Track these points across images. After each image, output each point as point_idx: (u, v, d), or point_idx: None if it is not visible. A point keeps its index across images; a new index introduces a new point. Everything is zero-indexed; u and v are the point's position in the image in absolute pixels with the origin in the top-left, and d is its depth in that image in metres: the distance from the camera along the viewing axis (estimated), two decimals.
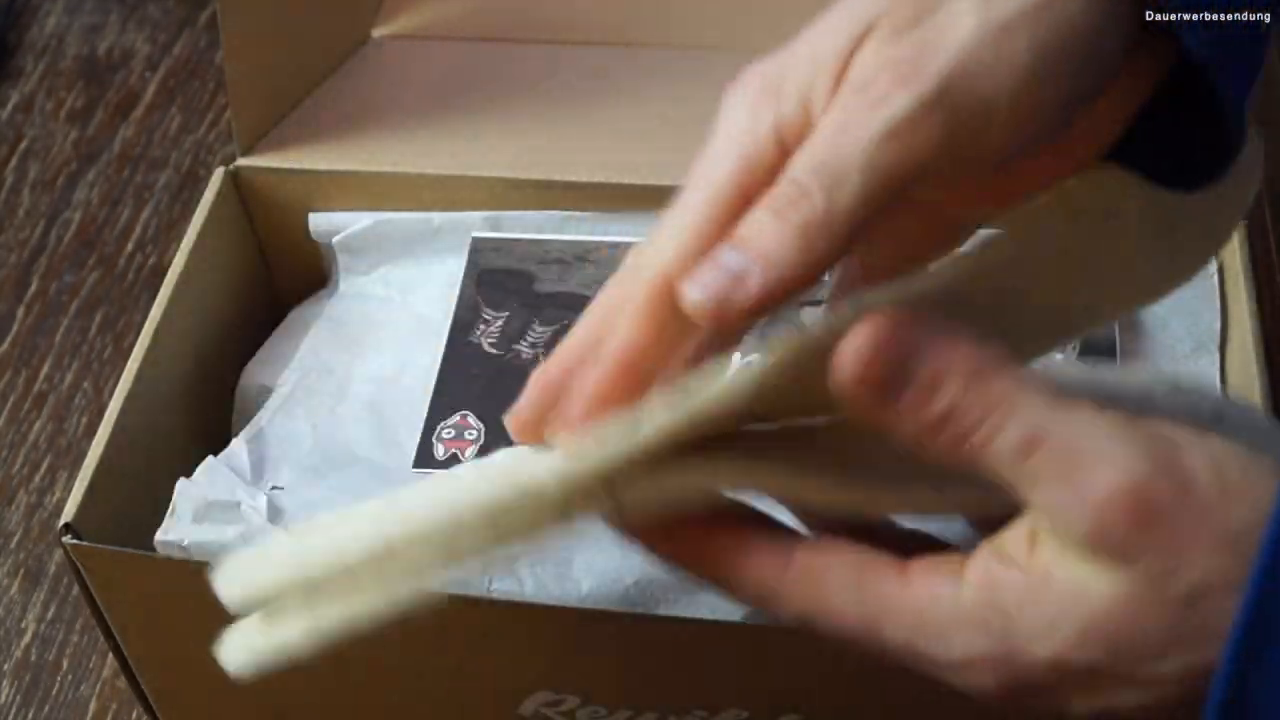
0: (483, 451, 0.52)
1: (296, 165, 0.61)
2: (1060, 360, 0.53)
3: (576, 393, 0.35)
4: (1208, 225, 0.40)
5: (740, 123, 0.34)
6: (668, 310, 0.34)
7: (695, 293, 0.33)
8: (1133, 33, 0.34)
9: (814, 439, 0.36)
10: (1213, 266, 0.56)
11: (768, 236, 0.32)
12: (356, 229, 0.60)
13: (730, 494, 0.36)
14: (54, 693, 0.59)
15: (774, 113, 0.34)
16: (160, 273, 0.59)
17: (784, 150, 0.34)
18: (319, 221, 0.61)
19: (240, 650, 0.37)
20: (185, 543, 0.50)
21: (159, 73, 0.85)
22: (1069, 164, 0.37)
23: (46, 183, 0.80)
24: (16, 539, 0.64)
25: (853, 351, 0.32)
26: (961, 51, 0.32)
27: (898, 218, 0.36)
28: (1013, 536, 0.33)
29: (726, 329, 0.34)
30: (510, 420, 0.37)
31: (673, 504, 0.35)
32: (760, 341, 0.35)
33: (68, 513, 0.48)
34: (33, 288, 0.75)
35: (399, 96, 0.64)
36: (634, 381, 0.35)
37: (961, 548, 0.35)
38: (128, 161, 0.80)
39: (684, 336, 0.35)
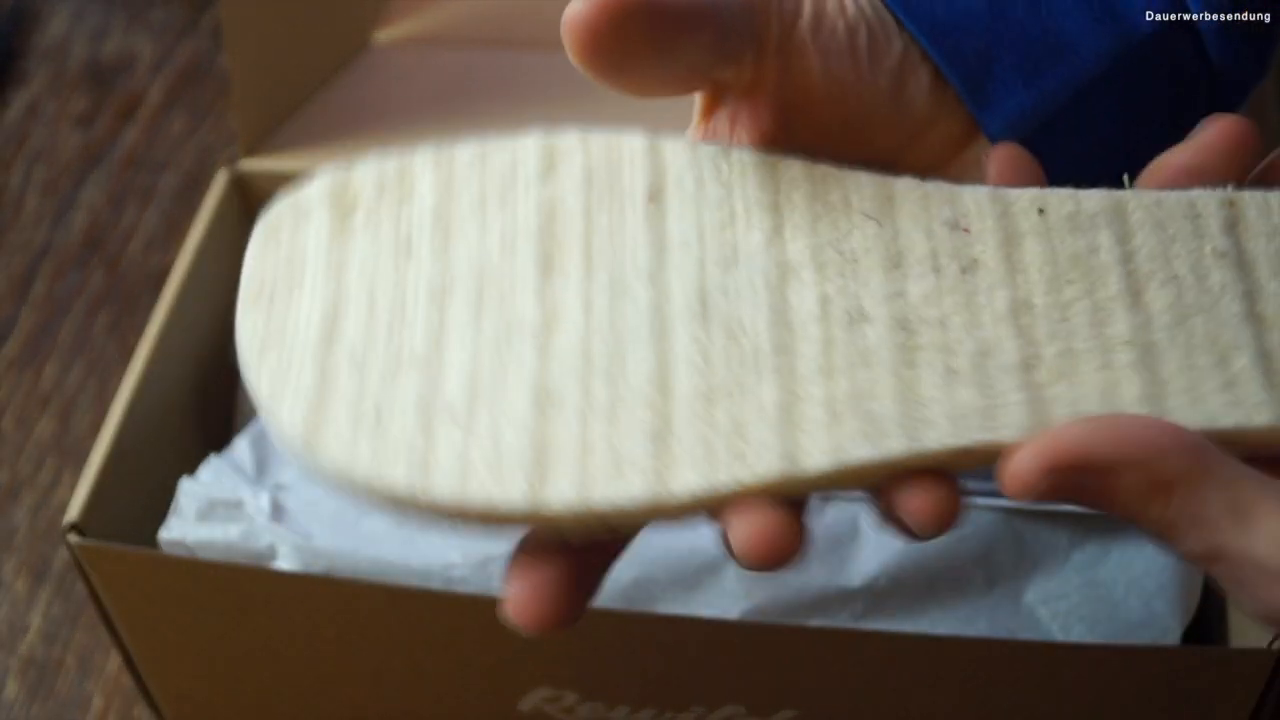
0: None
1: (299, 167, 0.61)
2: None
3: None
4: None
5: None
6: None
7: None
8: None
9: None
10: None
11: None
12: None
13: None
14: (58, 689, 0.60)
15: None
16: (164, 273, 0.59)
17: None
18: None
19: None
20: (189, 541, 0.50)
21: (163, 76, 0.86)
22: None
23: (51, 185, 0.80)
24: (22, 537, 0.65)
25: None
26: None
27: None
28: None
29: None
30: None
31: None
32: None
33: (73, 511, 0.48)
34: (38, 289, 0.75)
35: (400, 100, 0.65)
36: None
37: None
38: (132, 164, 0.81)
39: None
